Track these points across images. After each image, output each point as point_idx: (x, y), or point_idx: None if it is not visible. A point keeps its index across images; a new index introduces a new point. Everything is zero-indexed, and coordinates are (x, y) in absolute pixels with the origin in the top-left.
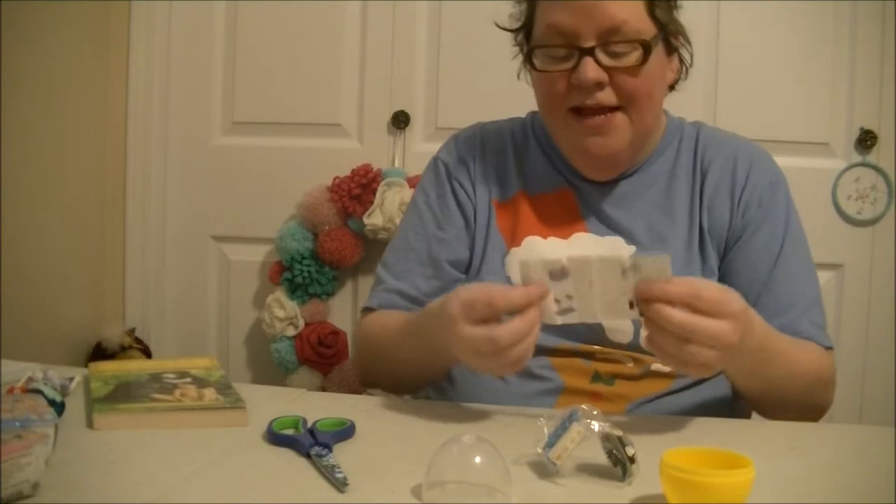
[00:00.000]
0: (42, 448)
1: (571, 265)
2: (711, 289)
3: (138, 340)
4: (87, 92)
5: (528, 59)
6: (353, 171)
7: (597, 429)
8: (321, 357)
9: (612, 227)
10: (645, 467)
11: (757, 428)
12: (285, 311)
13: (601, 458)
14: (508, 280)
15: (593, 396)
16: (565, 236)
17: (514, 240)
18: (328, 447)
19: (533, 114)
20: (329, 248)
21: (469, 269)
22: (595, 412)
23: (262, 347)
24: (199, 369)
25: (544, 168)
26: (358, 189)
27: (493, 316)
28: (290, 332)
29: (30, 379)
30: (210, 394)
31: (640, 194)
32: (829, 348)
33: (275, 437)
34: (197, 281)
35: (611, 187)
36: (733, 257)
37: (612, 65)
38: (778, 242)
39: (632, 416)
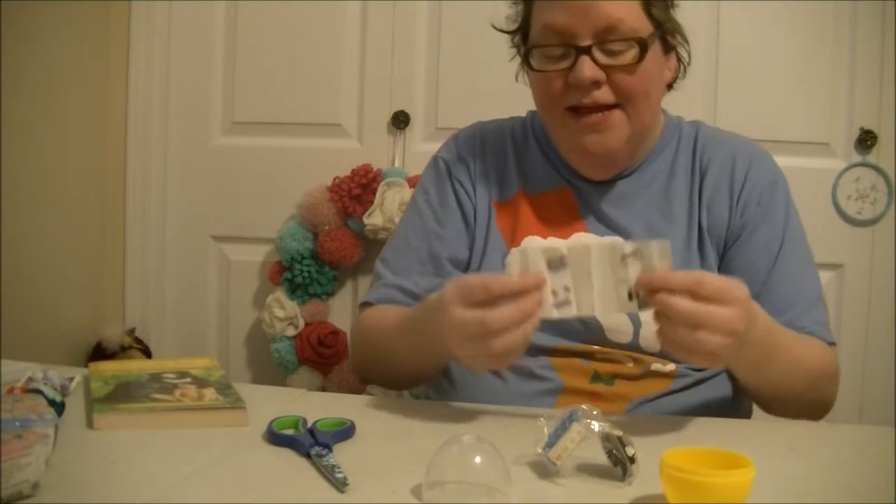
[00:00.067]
0: (42, 448)
1: (571, 254)
2: (713, 277)
3: (138, 340)
4: (87, 92)
5: (525, 60)
6: (353, 171)
7: (597, 429)
8: (321, 357)
9: (611, 227)
10: (645, 467)
11: (757, 428)
12: (285, 311)
13: (601, 458)
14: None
15: (593, 396)
16: (565, 236)
17: (514, 240)
18: (328, 447)
19: (532, 113)
20: (329, 248)
21: (468, 269)
22: (595, 412)
23: (262, 347)
24: (199, 369)
25: (544, 167)
26: (358, 189)
27: (488, 300)
28: (290, 332)
29: (30, 379)
30: (210, 394)
31: (639, 194)
32: (831, 344)
33: (275, 437)
34: (197, 281)
35: (609, 187)
36: (732, 256)
37: (609, 63)
38: (777, 241)
39: (632, 416)
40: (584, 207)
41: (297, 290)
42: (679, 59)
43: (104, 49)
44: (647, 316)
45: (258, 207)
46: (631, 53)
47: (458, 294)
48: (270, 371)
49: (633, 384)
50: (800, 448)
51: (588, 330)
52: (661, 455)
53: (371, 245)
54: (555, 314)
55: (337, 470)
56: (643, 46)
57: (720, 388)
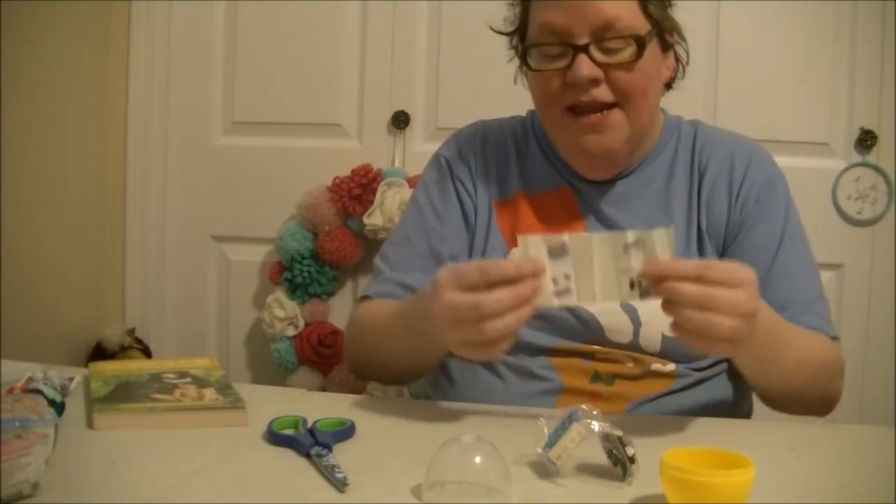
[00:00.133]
0: (42, 448)
1: (572, 242)
2: (721, 262)
3: (138, 340)
4: (87, 92)
5: (523, 60)
6: (353, 171)
7: (597, 429)
8: (321, 357)
9: (611, 227)
10: (645, 467)
11: (757, 428)
12: (285, 311)
13: (601, 458)
14: None
15: (593, 396)
16: None
17: (514, 240)
18: (328, 447)
19: (533, 113)
20: (329, 248)
21: None
22: (595, 412)
23: (262, 347)
24: (199, 369)
25: (544, 167)
26: (358, 189)
27: (483, 285)
28: (290, 332)
29: (30, 379)
30: (210, 394)
31: (638, 194)
32: (835, 339)
33: (275, 437)
34: (197, 281)
35: (609, 187)
36: (731, 254)
37: (607, 61)
38: (776, 239)
39: (632, 416)
40: (583, 207)
41: (297, 290)
42: (677, 59)
43: (104, 49)
44: (647, 316)
45: (258, 207)
46: (628, 51)
47: (453, 278)
48: (270, 371)
49: (633, 384)
50: (800, 448)
51: (588, 330)
52: (661, 455)
53: (371, 245)
54: (554, 302)
55: (337, 470)
56: (640, 44)
57: (720, 389)
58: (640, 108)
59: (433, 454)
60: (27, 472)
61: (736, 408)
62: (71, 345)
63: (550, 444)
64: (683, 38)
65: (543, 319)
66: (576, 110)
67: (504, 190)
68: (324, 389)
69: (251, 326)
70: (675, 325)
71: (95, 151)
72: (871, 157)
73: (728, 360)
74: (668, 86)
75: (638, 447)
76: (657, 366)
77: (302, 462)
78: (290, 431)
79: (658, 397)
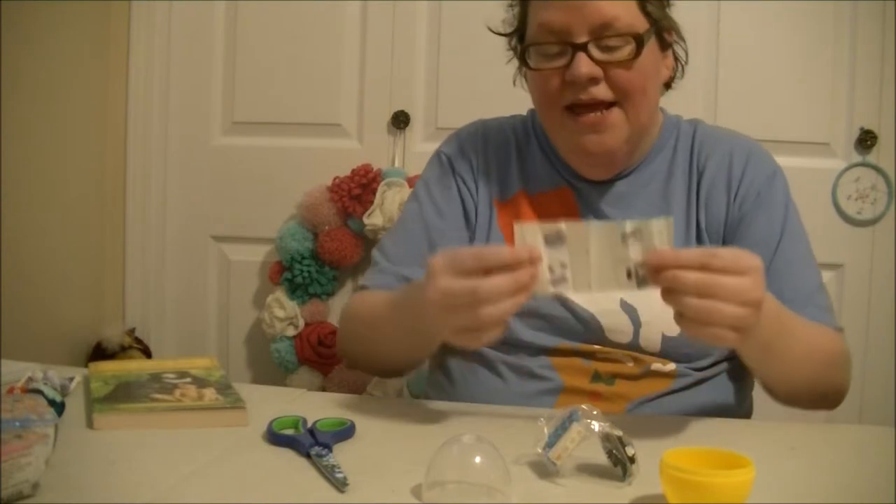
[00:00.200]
0: (42, 448)
1: (569, 230)
2: (725, 249)
3: (138, 340)
4: (87, 92)
5: (522, 60)
6: (353, 171)
7: (597, 429)
8: (321, 357)
9: None
10: (645, 467)
11: (757, 428)
12: (285, 311)
13: (601, 458)
14: None
15: (593, 396)
16: None
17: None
18: (328, 447)
19: (533, 112)
20: (329, 248)
21: None
22: (595, 412)
23: (262, 347)
24: (199, 369)
25: (544, 167)
26: (358, 189)
27: (477, 269)
28: (290, 332)
29: (30, 379)
30: (210, 394)
31: (638, 193)
32: (838, 330)
33: (275, 437)
34: (197, 281)
35: (608, 187)
36: None
37: (606, 59)
38: (776, 235)
39: (632, 415)
40: (583, 207)
41: (297, 290)
42: (676, 58)
43: (104, 49)
44: (647, 316)
45: (258, 207)
46: (627, 49)
47: (448, 263)
48: (270, 371)
49: (633, 384)
50: (800, 448)
51: (588, 330)
52: (661, 455)
53: (371, 245)
54: (550, 290)
55: (337, 470)
56: (639, 42)
57: (720, 389)
58: (640, 106)
59: (433, 454)
60: (27, 472)
61: (736, 408)
62: (71, 345)
63: (550, 444)
64: (682, 38)
65: (544, 319)
66: (575, 110)
67: (505, 189)
68: (324, 389)
69: (251, 326)
70: (678, 316)
71: (95, 151)
72: (871, 157)
73: (728, 360)
74: (668, 86)
75: (638, 447)
76: (657, 366)
77: (302, 462)
78: (290, 431)
79: (658, 397)
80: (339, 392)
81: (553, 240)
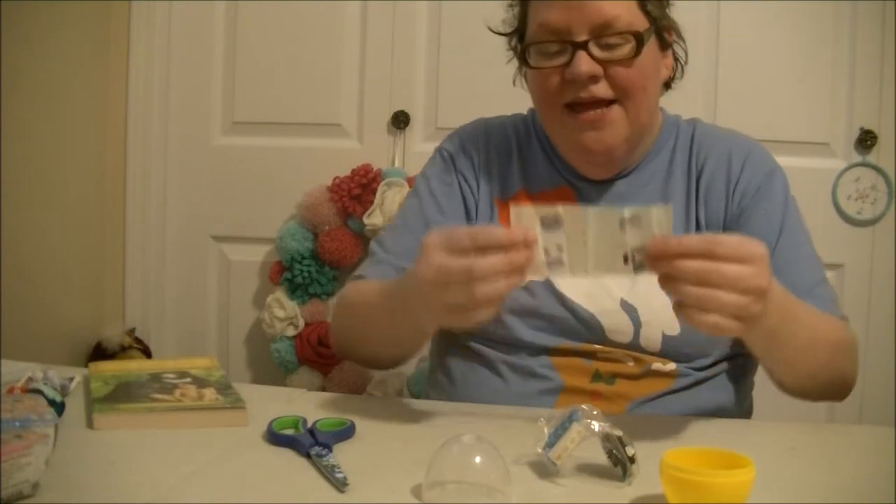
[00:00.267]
0: (42, 448)
1: (566, 214)
2: (729, 236)
3: (138, 340)
4: (87, 92)
5: (522, 59)
6: (353, 171)
7: (597, 429)
8: (321, 357)
9: None
10: (645, 467)
11: (757, 428)
12: (285, 311)
13: (601, 458)
14: None
15: (594, 396)
16: None
17: None
18: (328, 447)
19: (533, 111)
20: (329, 248)
21: None
22: (595, 412)
23: (262, 347)
24: (199, 369)
25: (545, 166)
26: (358, 189)
27: (472, 248)
28: (290, 332)
29: (30, 379)
30: (210, 394)
31: (637, 193)
32: (843, 319)
33: (275, 437)
34: (197, 281)
35: (608, 186)
36: None
37: (606, 57)
38: (776, 230)
39: (632, 415)
40: None
41: (297, 290)
42: (676, 58)
43: (104, 49)
44: (647, 316)
45: (258, 207)
46: (627, 48)
47: (442, 241)
48: (270, 371)
49: (633, 384)
50: (800, 448)
51: (589, 330)
52: (661, 455)
53: None
54: (545, 273)
55: (337, 470)
56: (639, 40)
57: (721, 389)
58: (640, 104)
59: (433, 454)
60: (27, 472)
61: (736, 408)
62: (71, 345)
63: (550, 444)
64: (682, 38)
65: (544, 319)
66: (575, 108)
67: (506, 187)
68: (324, 389)
69: (251, 326)
70: (677, 306)
71: (95, 151)
72: (871, 157)
73: (728, 361)
74: (668, 86)
75: (638, 447)
76: (658, 365)
77: (302, 462)
78: (290, 431)
79: (659, 397)
80: (339, 392)
81: (550, 223)
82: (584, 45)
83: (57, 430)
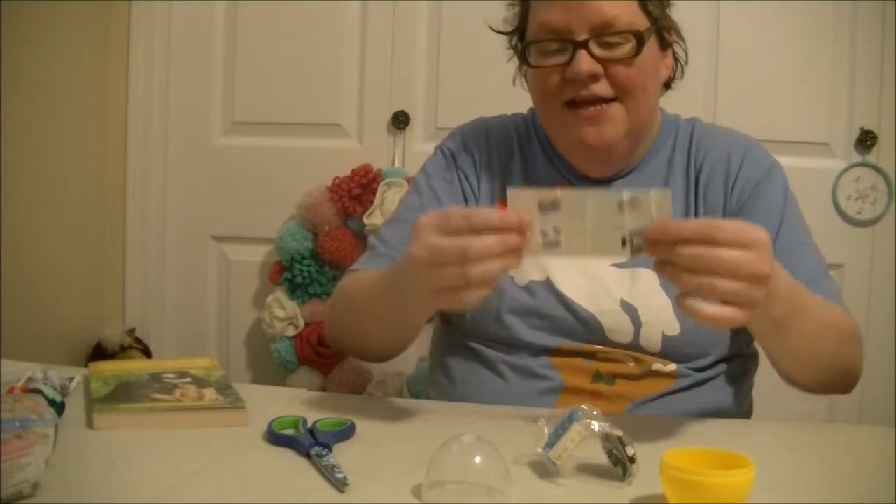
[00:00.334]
0: (42, 448)
1: (564, 197)
2: (730, 221)
3: (138, 340)
4: (87, 92)
5: (522, 58)
6: (353, 171)
7: (597, 429)
8: (321, 357)
9: None
10: (645, 467)
11: (757, 428)
12: (285, 311)
13: (601, 458)
14: (511, 279)
15: (594, 396)
16: None
17: None
18: (328, 447)
19: (533, 111)
20: (329, 248)
21: None
22: (595, 412)
23: (262, 347)
24: (199, 369)
25: (545, 165)
26: (358, 189)
27: (465, 229)
28: (290, 332)
29: (30, 379)
30: (210, 394)
31: None
32: (847, 310)
33: (275, 437)
34: (197, 281)
35: (608, 186)
36: None
37: (606, 56)
38: (776, 225)
39: (632, 415)
40: None
41: (297, 290)
42: (676, 59)
43: (104, 49)
44: (647, 316)
45: (258, 207)
46: (628, 47)
47: (436, 222)
48: (270, 371)
49: (634, 384)
50: (800, 448)
51: (589, 330)
52: (661, 455)
53: None
54: (541, 254)
55: (337, 470)
56: (640, 39)
57: (721, 389)
58: (640, 103)
59: (433, 454)
60: (27, 472)
61: (736, 408)
62: (71, 345)
63: (550, 444)
64: (682, 38)
65: (544, 319)
66: (574, 104)
67: (507, 186)
68: (324, 389)
69: (251, 326)
70: (680, 297)
71: (95, 151)
72: (871, 157)
73: (728, 361)
74: (667, 86)
75: (638, 447)
76: (658, 366)
77: (302, 462)
78: (290, 431)
79: (659, 397)
80: (339, 392)
81: (547, 206)
82: (584, 45)
83: (57, 430)
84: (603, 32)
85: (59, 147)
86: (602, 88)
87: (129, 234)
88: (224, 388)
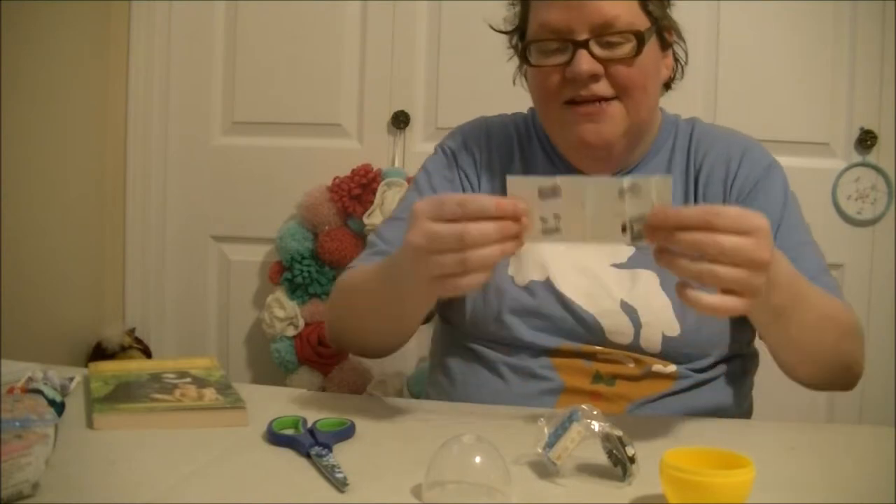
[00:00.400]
0: (42, 448)
1: (564, 184)
2: (730, 207)
3: (138, 340)
4: (87, 92)
5: (522, 57)
6: (353, 171)
7: (597, 429)
8: (321, 357)
9: None
10: (645, 467)
11: (757, 428)
12: (285, 311)
13: (601, 458)
14: (512, 279)
15: (594, 397)
16: None
17: None
18: (328, 447)
19: (533, 111)
20: (329, 248)
21: None
22: (595, 412)
23: (262, 347)
24: (199, 369)
25: (545, 165)
26: (358, 189)
27: (461, 216)
28: (290, 332)
29: (30, 379)
30: (210, 394)
31: None
32: (847, 305)
33: (275, 437)
34: (197, 281)
35: None
36: None
37: (607, 56)
38: (775, 222)
39: (632, 416)
40: None
41: (297, 290)
42: (676, 59)
43: (104, 49)
44: (647, 317)
45: (258, 207)
46: (628, 46)
47: (432, 209)
48: (270, 371)
49: (634, 385)
50: (800, 448)
51: (589, 331)
52: (661, 455)
53: None
54: (541, 240)
55: (337, 470)
56: (640, 39)
57: (721, 390)
58: (639, 102)
59: (433, 454)
60: (27, 472)
61: (736, 409)
62: (71, 345)
63: (550, 444)
64: (682, 38)
65: (544, 320)
66: (574, 103)
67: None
68: (324, 389)
69: (251, 326)
70: (680, 286)
71: (95, 151)
72: (871, 157)
73: (728, 362)
74: (668, 86)
75: (638, 447)
76: (658, 367)
77: (302, 462)
78: (290, 431)
79: (659, 398)
80: (339, 392)
81: (547, 193)
82: (584, 44)
83: (57, 430)
84: (603, 32)
85: (59, 147)
86: (602, 88)
87: (129, 234)
88: (224, 388)
